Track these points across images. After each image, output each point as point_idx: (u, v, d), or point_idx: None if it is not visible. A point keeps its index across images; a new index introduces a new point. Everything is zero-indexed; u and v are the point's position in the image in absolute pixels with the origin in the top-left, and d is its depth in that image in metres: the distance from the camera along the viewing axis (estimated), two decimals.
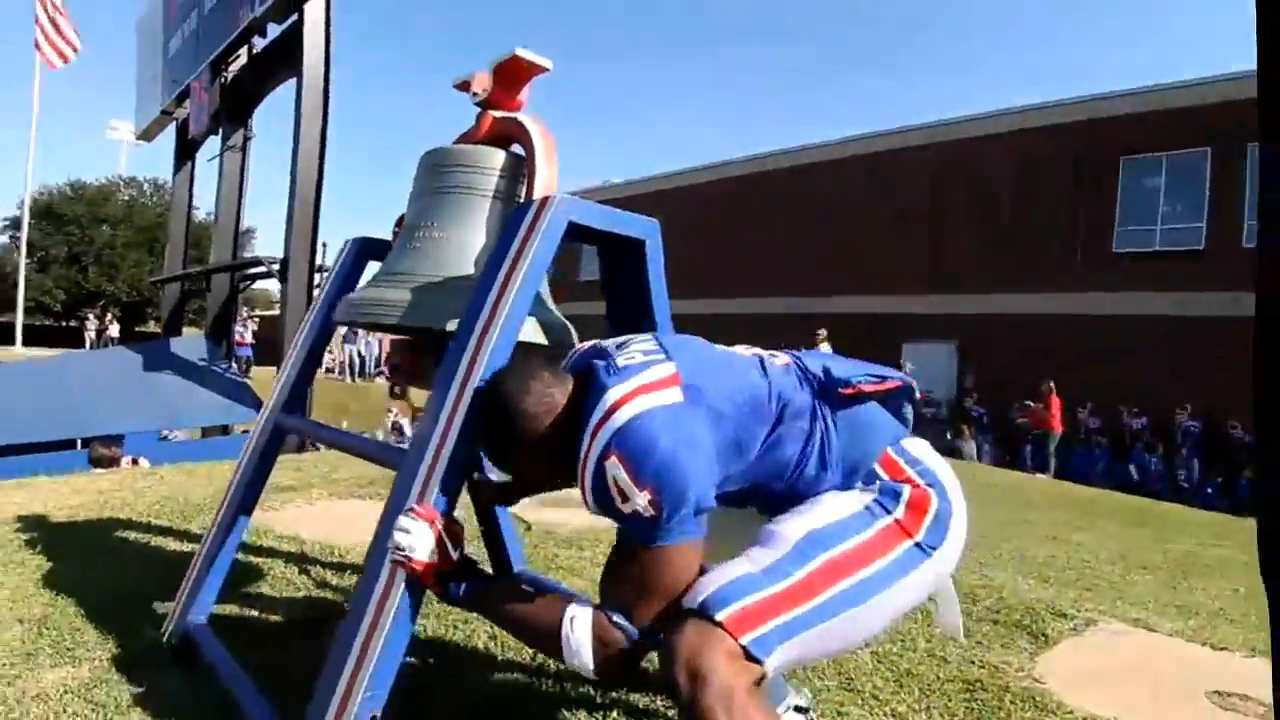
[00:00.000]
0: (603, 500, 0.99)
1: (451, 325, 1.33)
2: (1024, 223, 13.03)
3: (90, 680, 1.51)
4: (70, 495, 3.20)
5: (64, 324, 27.20)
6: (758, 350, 1.21)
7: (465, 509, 1.67)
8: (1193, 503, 7.96)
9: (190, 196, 9.04)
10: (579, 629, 1.02)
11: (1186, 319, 10.91)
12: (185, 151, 8.32)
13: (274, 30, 6.06)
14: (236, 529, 1.72)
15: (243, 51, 6.69)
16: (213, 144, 7.43)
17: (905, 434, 1.16)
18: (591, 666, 1.02)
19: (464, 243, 1.49)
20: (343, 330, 14.26)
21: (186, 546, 2.45)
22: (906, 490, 1.08)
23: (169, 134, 8.73)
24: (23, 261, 17.88)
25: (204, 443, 6.70)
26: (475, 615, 1.86)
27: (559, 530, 2.84)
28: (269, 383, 1.93)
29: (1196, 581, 3.13)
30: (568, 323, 1.56)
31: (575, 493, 1.08)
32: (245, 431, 3.99)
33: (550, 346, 1.43)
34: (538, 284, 1.32)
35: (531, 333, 1.41)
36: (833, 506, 1.07)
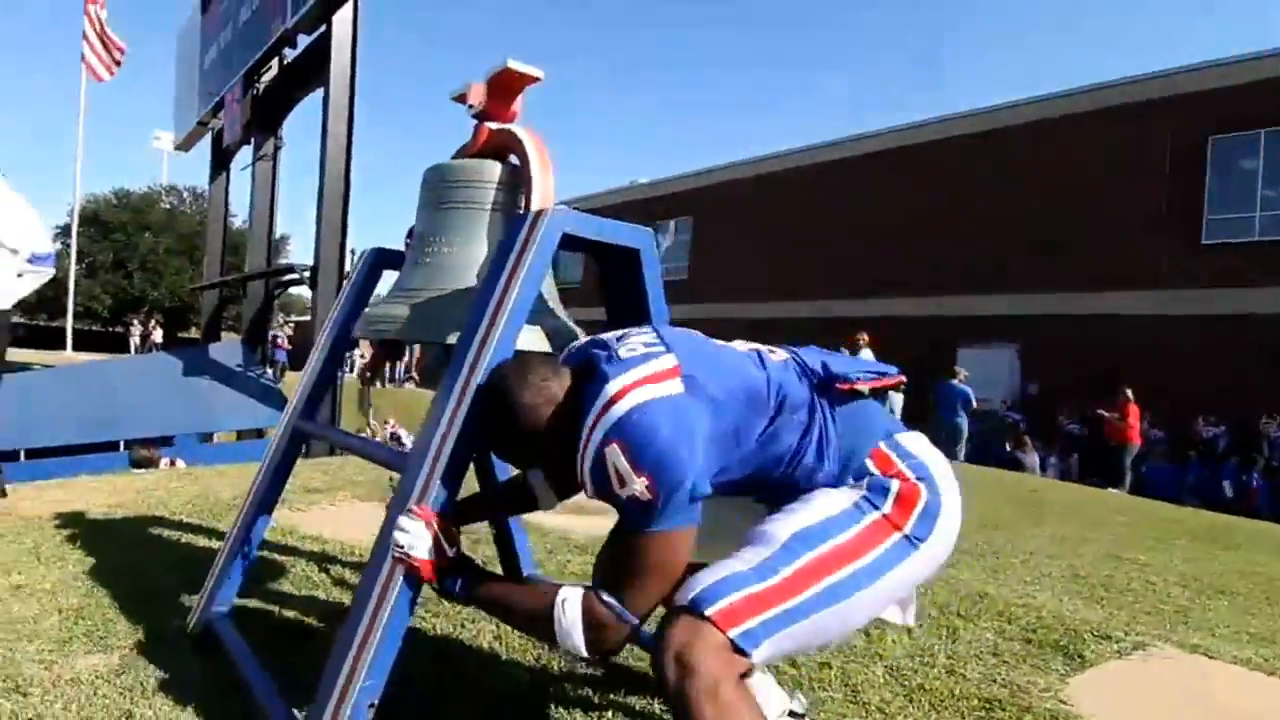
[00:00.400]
0: (601, 485, 1.05)
1: (453, 338, 1.42)
2: (1098, 212, 11.79)
3: (120, 666, 1.64)
4: (109, 494, 3.40)
5: (110, 329, 28.42)
6: (756, 345, 1.25)
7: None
8: None
9: (226, 205, 9.42)
10: (570, 610, 1.08)
11: None
12: (220, 161, 8.68)
13: (303, 41, 6.30)
14: (258, 527, 1.84)
15: (274, 63, 6.97)
16: (246, 153, 7.74)
17: (899, 429, 1.21)
18: (583, 646, 1.08)
19: (469, 256, 1.58)
20: None
21: (214, 543, 2.60)
22: (895, 485, 1.12)
23: (206, 143, 9.12)
24: (73, 268, 18.77)
25: (238, 445, 6.97)
26: (482, 617, 1.96)
27: (573, 536, 2.92)
28: None
29: None
30: (577, 328, 1.62)
31: (593, 501, 1.12)
32: None
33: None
34: (534, 294, 1.39)
35: (535, 341, 1.49)
36: (822, 505, 1.12)
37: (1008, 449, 10.62)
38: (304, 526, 2.89)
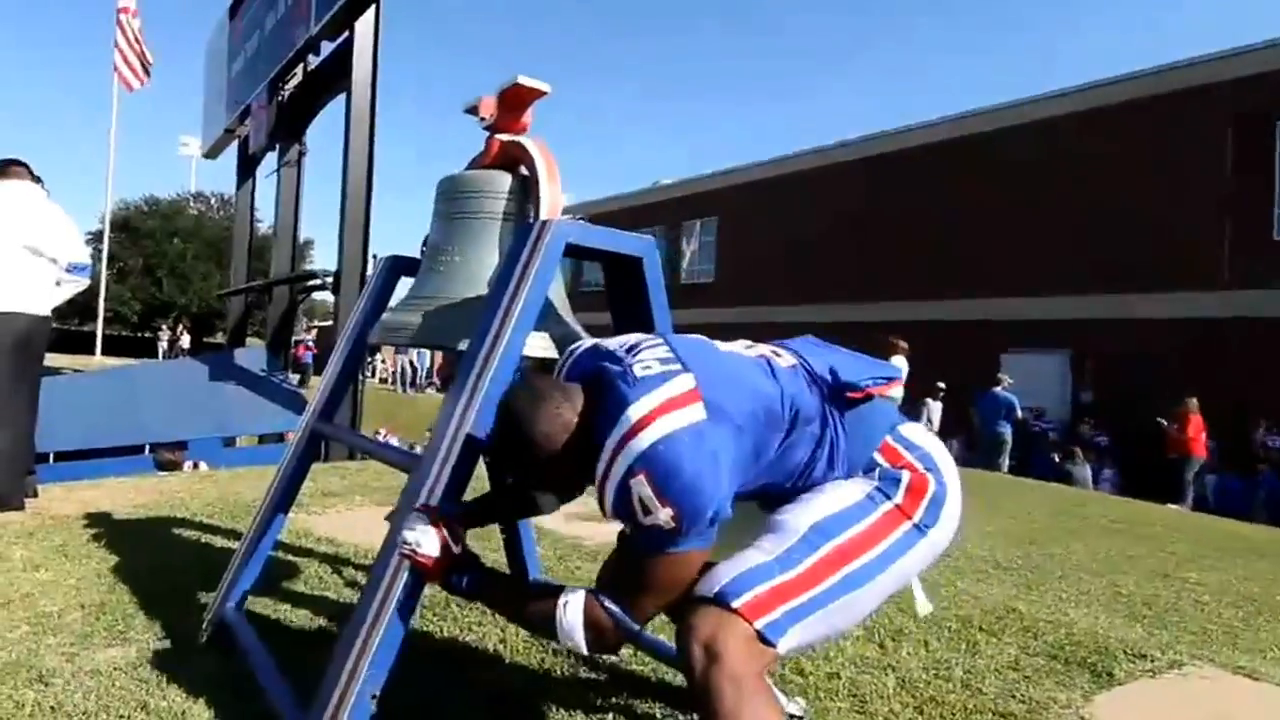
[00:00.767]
0: (623, 512, 1.07)
1: (463, 345, 1.49)
2: (1157, 207, 11.13)
3: (137, 659, 1.75)
4: (134, 495, 3.56)
5: (139, 335, 29.45)
6: (761, 349, 1.25)
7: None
8: None
9: (252, 211, 9.74)
10: (571, 612, 1.14)
11: None
12: (246, 167, 8.97)
13: (326, 48, 6.52)
14: (274, 527, 1.93)
15: (298, 70, 7.21)
16: (271, 160, 8.00)
17: (903, 421, 1.26)
18: (584, 646, 1.14)
19: (480, 264, 1.66)
20: None
21: (231, 543, 2.71)
22: (906, 475, 1.18)
23: (232, 150, 9.44)
24: (104, 273, 19.49)
25: (259, 449, 7.19)
26: (489, 621, 2.03)
27: (585, 544, 2.97)
28: None
29: None
30: (584, 334, 1.67)
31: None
32: None
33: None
34: (542, 298, 1.46)
35: (543, 347, 1.55)
36: (837, 496, 1.17)
37: (1056, 460, 10.35)
38: (319, 529, 3.00)
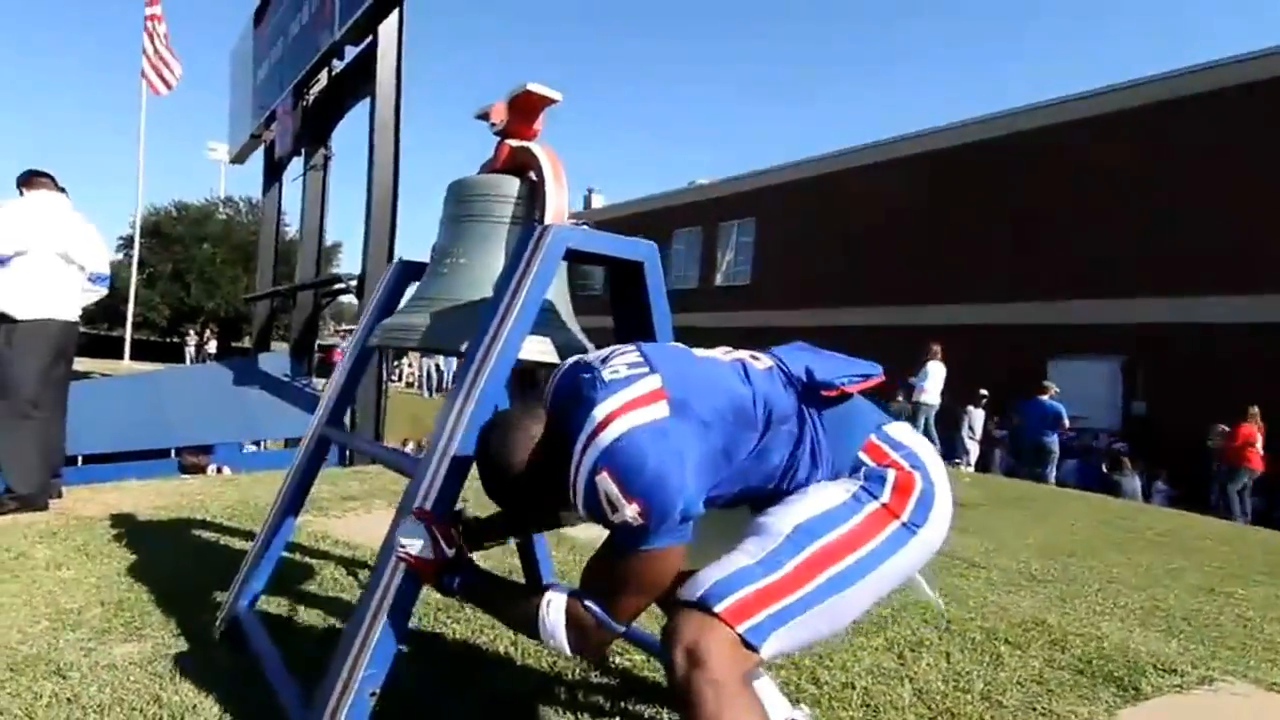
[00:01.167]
0: (593, 510, 1.10)
1: (464, 347, 1.55)
2: (1210, 202, 10.78)
3: (152, 655, 1.85)
4: (156, 497, 3.72)
5: (168, 339, 30.40)
6: (739, 354, 1.30)
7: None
8: None
9: (279, 216, 10.00)
10: (554, 612, 1.19)
11: None
12: (273, 172, 9.24)
13: (350, 52, 6.70)
14: (284, 529, 2.02)
15: (323, 74, 7.42)
16: (297, 165, 8.23)
17: (887, 420, 1.28)
18: (566, 646, 1.19)
19: (486, 267, 1.71)
20: None
21: (248, 545, 2.80)
22: (892, 474, 1.19)
23: (259, 155, 9.74)
24: (134, 278, 20.13)
25: (282, 453, 7.41)
26: (500, 624, 2.08)
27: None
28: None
29: None
30: (587, 341, 1.72)
31: None
32: None
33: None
34: (540, 299, 1.52)
35: (542, 351, 1.60)
36: (822, 497, 1.19)
37: (1104, 470, 10.15)
38: (336, 532, 3.11)
